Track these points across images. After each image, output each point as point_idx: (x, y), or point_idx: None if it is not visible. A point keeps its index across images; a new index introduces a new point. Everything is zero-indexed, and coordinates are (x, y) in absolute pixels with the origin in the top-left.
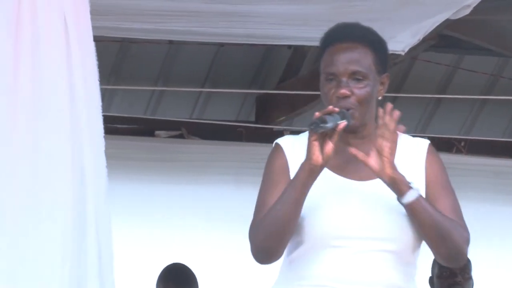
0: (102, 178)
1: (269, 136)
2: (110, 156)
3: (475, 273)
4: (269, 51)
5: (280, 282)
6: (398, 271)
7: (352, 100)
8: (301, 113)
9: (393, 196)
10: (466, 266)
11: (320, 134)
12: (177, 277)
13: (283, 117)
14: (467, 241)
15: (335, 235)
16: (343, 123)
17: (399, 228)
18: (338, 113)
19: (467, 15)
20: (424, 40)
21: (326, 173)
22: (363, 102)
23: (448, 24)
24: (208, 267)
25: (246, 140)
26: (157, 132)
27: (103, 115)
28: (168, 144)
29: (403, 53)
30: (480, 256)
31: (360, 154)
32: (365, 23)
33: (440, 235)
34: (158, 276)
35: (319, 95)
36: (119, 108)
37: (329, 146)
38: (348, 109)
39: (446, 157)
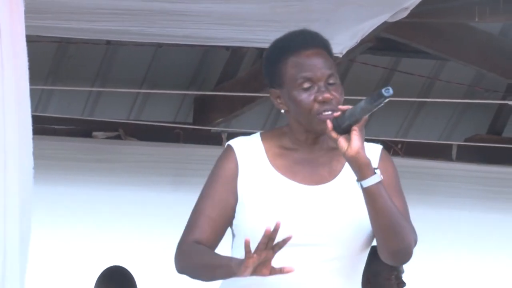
0: (28, 182)
1: (207, 138)
2: (47, 156)
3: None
4: (207, 52)
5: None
6: (344, 278)
7: (334, 102)
8: (239, 114)
9: (345, 200)
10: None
11: (261, 255)
12: (116, 279)
13: (221, 119)
14: (415, 242)
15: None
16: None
17: (349, 233)
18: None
19: (404, 17)
20: (362, 42)
21: (275, 175)
22: (340, 103)
23: (386, 26)
24: (145, 269)
25: (183, 142)
26: (94, 133)
27: (41, 116)
28: (106, 145)
29: (341, 55)
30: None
31: (329, 129)
32: (303, 24)
33: (393, 227)
34: (96, 278)
35: (257, 96)
36: (56, 108)
37: (267, 269)
38: (332, 112)
39: None
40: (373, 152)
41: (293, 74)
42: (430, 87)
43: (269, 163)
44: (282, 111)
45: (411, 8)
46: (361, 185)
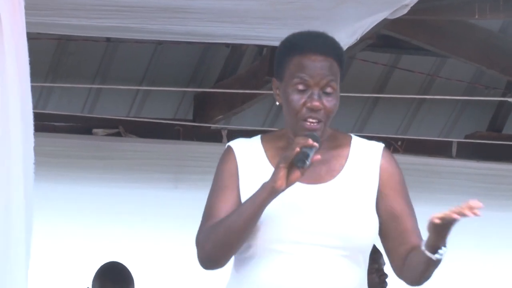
0: (29, 178)
1: (207, 135)
2: (47, 154)
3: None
4: (207, 49)
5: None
6: (349, 274)
7: (322, 112)
8: (238, 112)
9: (348, 197)
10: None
11: (290, 163)
12: (114, 275)
13: (221, 116)
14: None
15: (283, 239)
16: (317, 157)
17: (353, 230)
18: (311, 137)
19: (404, 14)
20: (362, 39)
21: None
22: (330, 115)
23: (386, 23)
24: (143, 265)
25: (183, 139)
26: (94, 130)
27: (41, 113)
28: (106, 142)
29: None
30: None
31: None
32: (303, 21)
33: (429, 277)
34: (94, 274)
35: (257, 94)
36: (56, 105)
37: (297, 175)
38: (318, 122)
39: None
40: (375, 150)
41: (293, 72)
42: (430, 84)
43: (268, 162)
44: (277, 103)
45: (411, 5)
46: (431, 255)
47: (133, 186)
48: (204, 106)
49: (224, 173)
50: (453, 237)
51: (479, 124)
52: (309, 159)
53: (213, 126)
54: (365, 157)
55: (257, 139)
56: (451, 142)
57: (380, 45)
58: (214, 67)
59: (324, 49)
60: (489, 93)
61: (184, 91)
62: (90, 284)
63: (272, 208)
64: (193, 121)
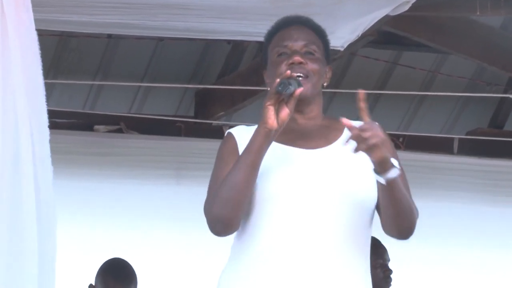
0: (47, 171)
1: (208, 131)
2: None
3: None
4: (209, 46)
5: (232, 257)
6: (349, 240)
7: (306, 67)
8: (240, 108)
9: (346, 159)
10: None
11: (276, 100)
12: (117, 271)
13: (222, 112)
14: (417, 216)
15: (285, 197)
16: (300, 89)
17: (349, 192)
18: (293, 79)
19: (406, 11)
20: (363, 36)
21: (273, 145)
22: (315, 73)
23: (387, 20)
24: (147, 262)
25: (185, 135)
26: (96, 127)
27: None
28: (107, 139)
29: (342, 49)
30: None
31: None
32: None
33: (406, 211)
34: (97, 271)
35: (258, 90)
36: (58, 102)
37: (285, 111)
38: (305, 77)
39: None
40: None
41: (274, 45)
42: (431, 81)
43: None
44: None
45: (412, 2)
46: (382, 177)
47: (134, 182)
48: (205, 103)
49: (226, 152)
50: (454, 233)
51: (480, 121)
52: (292, 86)
53: (214, 122)
54: None
55: (255, 126)
56: (453, 138)
57: (382, 41)
58: (216, 64)
59: (299, 20)
60: (491, 89)
61: (186, 87)
62: (93, 281)
63: (271, 168)
64: (195, 117)
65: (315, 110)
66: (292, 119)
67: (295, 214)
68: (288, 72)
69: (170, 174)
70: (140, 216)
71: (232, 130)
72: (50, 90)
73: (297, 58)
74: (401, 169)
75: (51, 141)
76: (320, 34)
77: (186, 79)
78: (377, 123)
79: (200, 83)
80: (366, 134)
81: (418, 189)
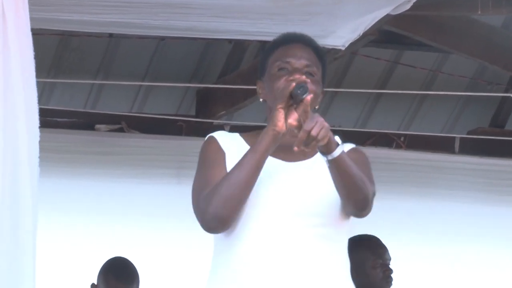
0: (34, 171)
1: (209, 130)
2: (50, 149)
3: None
4: (210, 45)
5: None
6: (328, 244)
7: (308, 87)
8: (241, 107)
9: (320, 175)
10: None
11: (287, 103)
12: (118, 270)
13: (223, 112)
14: (374, 193)
15: (264, 209)
16: (311, 95)
17: (329, 201)
18: (303, 87)
19: (407, 10)
20: (364, 35)
21: None
22: (314, 96)
23: (388, 19)
24: (148, 261)
25: (186, 134)
26: (97, 126)
27: (43, 109)
28: (108, 138)
29: (343, 48)
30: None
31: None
32: (306, 17)
33: (357, 183)
34: (99, 270)
35: None
36: (59, 101)
37: (294, 116)
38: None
39: (385, 152)
40: (345, 145)
41: (276, 59)
42: (432, 80)
43: (248, 147)
44: (261, 99)
45: (413, 1)
46: (328, 158)
47: (135, 181)
48: (206, 102)
49: (212, 152)
50: (455, 232)
51: (481, 120)
52: (307, 92)
53: (215, 121)
54: None
55: (236, 134)
56: (454, 138)
57: (383, 41)
58: (217, 63)
59: (303, 39)
60: (492, 88)
61: (187, 86)
62: (95, 280)
63: (261, 183)
64: (196, 116)
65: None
66: None
67: (277, 221)
68: (304, 77)
69: (171, 173)
70: (141, 215)
71: (213, 134)
72: (51, 89)
73: (302, 77)
74: (361, 153)
75: (52, 140)
76: (320, 57)
77: (187, 78)
78: (314, 114)
79: (201, 83)
80: (314, 132)
81: (419, 188)
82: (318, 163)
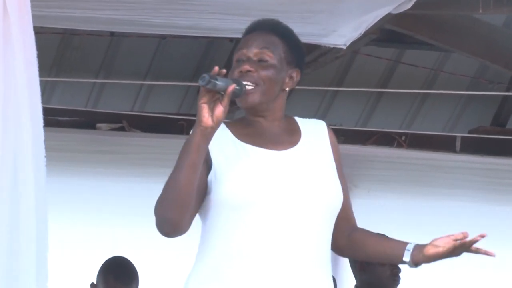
0: (41, 170)
1: None
2: (51, 148)
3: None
4: (211, 44)
5: (200, 259)
6: (317, 236)
7: (255, 75)
8: None
9: (311, 163)
10: None
11: (209, 98)
12: (118, 270)
13: None
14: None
15: (256, 198)
16: (233, 86)
17: (322, 191)
18: (233, 80)
19: (408, 9)
20: (366, 34)
21: (244, 146)
22: (265, 81)
23: (389, 18)
24: (148, 260)
25: (187, 133)
26: (98, 125)
27: (44, 107)
28: (109, 137)
29: (344, 47)
30: None
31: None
32: (308, 15)
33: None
34: (99, 269)
35: None
36: (60, 100)
37: (220, 109)
38: (255, 85)
39: (387, 151)
40: (320, 127)
41: (236, 51)
42: (434, 79)
43: (235, 138)
44: None
45: (415, 0)
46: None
47: (137, 180)
48: None
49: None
50: (455, 231)
51: (482, 119)
52: (219, 82)
53: None
54: (314, 134)
55: (221, 125)
56: (455, 136)
57: (384, 39)
58: (218, 61)
59: (260, 26)
60: (493, 87)
61: (188, 85)
62: (95, 280)
63: (240, 169)
64: None
65: (276, 112)
66: (257, 123)
67: (270, 217)
68: (216, 67)
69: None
70: (142, 214)
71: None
72: (52, 88)
73: (245, 67)
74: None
75: (53, 139)
76: (285, 38)
77: (188, 77)
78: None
79: None
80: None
81: (420, 187)
82: (306, 148)
